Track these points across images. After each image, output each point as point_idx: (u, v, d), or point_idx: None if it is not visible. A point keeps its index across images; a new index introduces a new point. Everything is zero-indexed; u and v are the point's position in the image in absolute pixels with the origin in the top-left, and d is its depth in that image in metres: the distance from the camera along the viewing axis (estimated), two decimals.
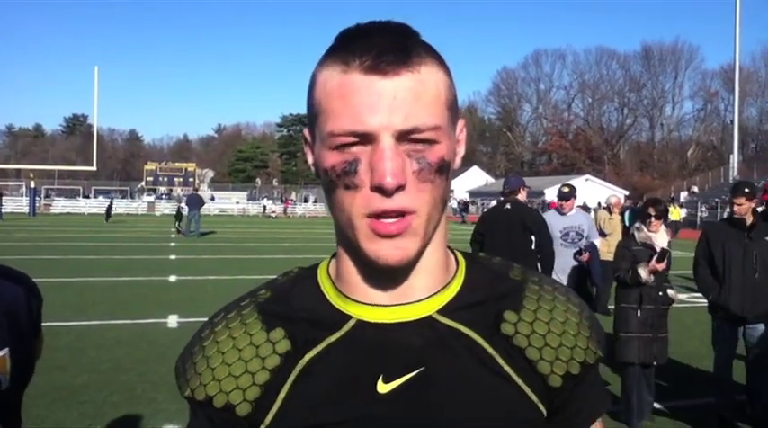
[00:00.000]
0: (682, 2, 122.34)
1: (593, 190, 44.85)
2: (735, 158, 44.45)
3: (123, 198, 57.55)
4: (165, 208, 48.98)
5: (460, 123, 0.84)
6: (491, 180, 67.42)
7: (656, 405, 5.32)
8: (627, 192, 45.46)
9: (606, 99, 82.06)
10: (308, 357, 0.82)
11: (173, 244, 22.05)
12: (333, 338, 0.82)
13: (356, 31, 0.79)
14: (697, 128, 78.01)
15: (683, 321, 8.69)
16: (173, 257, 17.57)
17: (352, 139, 0.75)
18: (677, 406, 5.52)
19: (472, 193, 60.85)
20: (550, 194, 42.76)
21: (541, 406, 0.83)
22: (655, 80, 79.45)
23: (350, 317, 0.83)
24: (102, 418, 5.01)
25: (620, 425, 4.98)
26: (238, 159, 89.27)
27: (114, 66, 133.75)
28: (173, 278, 13.15)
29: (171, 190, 61.26)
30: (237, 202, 59.53)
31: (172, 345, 7.23)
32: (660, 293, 5.07)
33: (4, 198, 39.01)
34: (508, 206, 6.29)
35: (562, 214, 7.13)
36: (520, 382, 0.82)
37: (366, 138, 0.74)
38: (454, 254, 0.91)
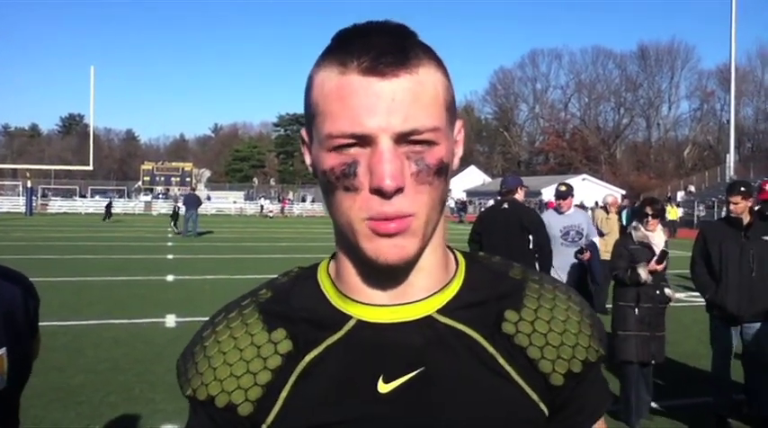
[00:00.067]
0: (678, 2, 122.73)
1: (589, 189, 44.89)
2: (731, 158, 44.51)
3: (120, 198, 57.45)
4: (162, 207, 48.90)
5: (458, 124, 0.84)
6: (488, 179, 67.46)
7: (654, 404, 5.33)
8: (624, 192, 45.43)
9: (603, 99, 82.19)
10: (308, 357, 0.82)
11: (170, 243, 22.02)
12: (333, 338, 0.82)
13: (354, 31, 0.78)
14: (693, 127, 78.20)
15: (680, 320, 8.71)
16: (170, 257, 17.55)
17: (350, 141, 0.75)
18: (675, 406, 5.53)
19: (469, 193, 60.86)
20: (547, 194, 42.78)
21: (542, 406, 0.83)
22: (651, 80, 79.62)
23: (350, 318, 0.83)
24: (99, 418, 5.00)
25: (619, 424, 4.99)
26: (235, 159, 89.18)
27: (111, 65, 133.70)
28: (170, 278, 13.14)
29: (168, 189, 61.19)
30: (235, 202, 59.47)
31: (169, 345, 7.23)
32: (657, 292, 5.08)
33: (0, 198, 38.88)
34: (506, 205, 6.30)
35: (560, 213, 7.13)
36: (520, 381, 0.82)
37: (365, 140, 0.74)
38: (454, 253, 0.91)
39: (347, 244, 0.81)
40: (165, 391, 5.55)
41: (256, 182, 78.98)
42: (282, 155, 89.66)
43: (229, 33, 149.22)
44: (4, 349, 1.61)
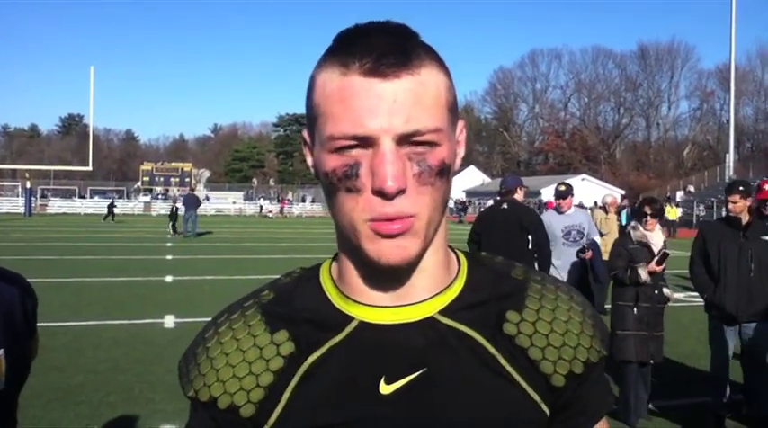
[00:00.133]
0: (678, 2, 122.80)
1: (589, 189, 44.88)
2: (731, 157, 44.56)
3: (120, 198, 57.42)
4: (162, 208, 48.90)
5: (460, 124, 0.84)
6: (488, 179, 67.47)
7: (653, 404, 5.33)
8: (623, 192, 45.49)
9: (602, 98, 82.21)
10: (311, 359, 0.82)
11: (169, 244, 22.02)
12: (335, 340, 0.82)
13: (355, 32, 0.78)
14: (693, 127, 78.23)
15: (679, 320, 8.71)
16: (169, 257, 17.55)
17: (351, 142, 0.75)
18: (674, 406, 5.53)
19: (469, 193, 60.87)
20: (547, 194, 42.78)
21: (544, 406, 0.84)
22: (651, 80, 79.66)
23: (352, 319, 0.83)
24: (98, 419, 5.00)
25: (617, 424, 4.99)
26: (235, 159, 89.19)
27: (110, 65, 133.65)
28: (169, 278, 13.14)
29: (167, 190, 61.16)
30: (234, 202, 59.47)
31: (169, 346, 7.23)
32: (656, 292, 5.09)
33: None
34: (505, 206, 6.30)
35: (561, 213, 7.12)
36: (522, 382, 0.83)
37: (366, 142, 0.74)
38: (456, 254, 0.91)
39: (349, 245, 0.81)
40: (165, 391, 5.55)
41: (256, 182, 78.98)
42: (282, 155, 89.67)
43: (229, 33, 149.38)
44: (2, 350, 1.62)
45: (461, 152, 0.85)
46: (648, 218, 5.21)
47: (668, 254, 5.14)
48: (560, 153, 79.42)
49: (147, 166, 65.57)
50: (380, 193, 0.74)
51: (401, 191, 0.74)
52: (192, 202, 25.40)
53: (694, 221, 35.04)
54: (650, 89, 79.80)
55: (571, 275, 6.93)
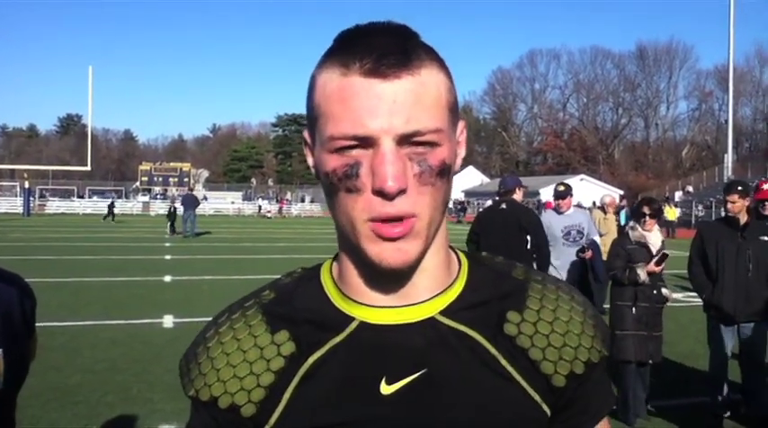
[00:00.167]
0: (676, 2, 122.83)
1: (588, 189, 44.91)
2: (729, 158, 44.61)
3: (118, 198, 57.40)
4: (160, 208, 48.86)
5: (461, 125, 0.84)
6: (486, 180, 67.49)
7: (652, 404, 5.33)
8: (622, 192, 45.52)
9: (601, 99, 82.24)
10: (312, 359, 0.82)
11: (168, 244, 22.01)
12: (336, 340, 0.83)
13: (356, 32, 0.78)
14: (691, 127, 78.27)
15: (678, 320, 8.72)
16: (168, 257, 17.54)
17: (352, 143, 0.75)
18: (673, 405, 5.54)
19: (468, 193, 60.89)
20: (545, 194, 42.80)
21: (545, 407, 0.84)
22: (649, 80, 79.70)
23: (353, 319, 0.83)
24: (96, 418, 4.99)
25: (616, 423, 4.99)
26: (233, 159, 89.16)
27: (109, 65, 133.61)
28: (168, 278, 13.13)
29: (166, 190, 61.09)
30: (233, 202, 59.46)
31: (167, 345, 7.23)
32: (654, 292, 5.09)
33: None
34: (504, 206, 6.30)
35: (560, 213, 7.12)
36: (523, 383, 0.83)
37: (367, 142, 0.74)
38: (456, 254, 0.91)
39: (349, 245, 0.81)
40: (163, 391, 5.55)
41: (254, 182, 78.95)
42: (281, 155, 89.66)
43: (228, 33, 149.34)
44: (0, 350, 1.61)
45: (462, 152, 0.85)
46: (647, 218, 5.21)
47: (667, 255, 5.15)
48: (559, 153, 79.46)
49: (145, 166, 65.52)
50: (381, 193, 0.74)
51: (402, 192, 0.74)
52: (191, 202, 25.38)
53: (693, 221, 35.06)
54: (649, 89, 79.91)
55: (570, 274, 6.93)
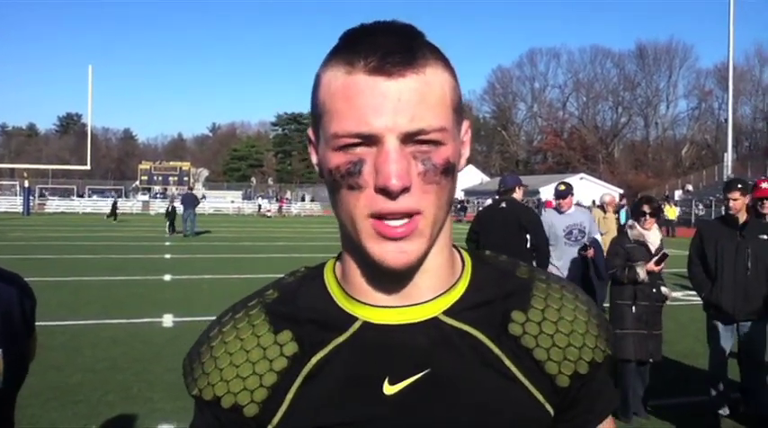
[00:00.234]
0: (676, 1, 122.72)
1: (587, 188, 44.88)
2: (729, 157, 44.55)
3: (118, 197, 57.41)
4: (160, 207, 48.78)
5: (465, 124, 0.84)
6: (486, 179, 67.51)
7: (651, 403, 5.33)
8: (622, 191, 45.52)
9: (601, 98, 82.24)
10: (315, 359, 0.82)
11: (167, 243, 22.00)
12: (339, 340, 0.83)
13: (361, 31, 0.79)
14: (691, 126, 78.25)
15: (678, 319, 8.72)
16: (168, 256, 17.54)
17: (356, 140, 0.75)
18: (672, 404, 5.54)
19: (467, 192, 60.87)
20: (545, 193, 42.80)
21: (548, 406, 0.84)
22: (649, 79, 79.70)
23: (356, 319, 0.83)
24: (97, 418, 4.99)
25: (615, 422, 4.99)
26: (233, 158, 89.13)
27: (108, 64, 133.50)
28: (168, 277, 13.13)
29: (165, 189, 61.06)
30: (232, 201, 59.42)
31: (167, 345, 7.23)
32: (654, 290, 5.09)
33: None
34: (503, 205, 6.30)
35: (561, 213, 7.10)
36: (526, 382, 0.83)
37: (371, 140, 0.74)
38: (460, 253, 0.91)
39: (352, 244, 0.81)
40: (163, 390, 5.55)
41: (254, 181, 78.95)
42: (280, 154, 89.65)
43: (227, 32, 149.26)
44: (0, 350, 1.61)
45: (466, 152, 0.85)
46: (647, 217, 5.21)
47: (668, 255, 5.15)
48: (559, 152, 79.46)
49: (145, 165, 65.50)
50: (384, 191, 0.74)
51: (405, 190, 0.74)
52: (191, 201, 25.37)
53: (693, 220, 35.07)
54: (648, 88, 79.89)
55: (571, 273, 6.91)
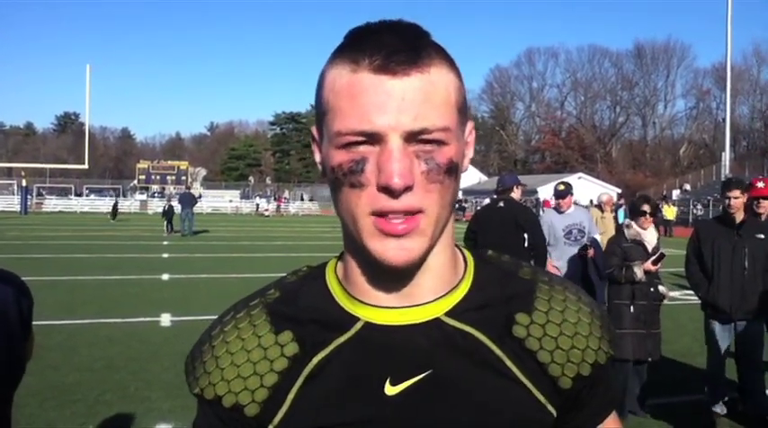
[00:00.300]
0: (674, 1, 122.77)
1: (585, 188, 44.91)
2: (727, 156, 44.58)
3: (116, 196, 57.35)
4: (158, 206, 48.76)
5: (469, 125, 0.84)
6: (484, 178, 67.52)
7: (649, 402, 5.33)
8: (620, 190, 45.59)
9: (599, 97, 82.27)
10: (316, 359, 0.82)
11: (165, 242, 21.99)
12: (341, 340, 0.82)
13: (366, 29, 0.78)
14: (689, 126, 78.30)
15: (676, 318, 8.73)
16: (165, 255, 17.53)
17: (359, 138, 0.74)
18: (670, 403, 5.54)
19: (465, 191, 60.89)
20: (543, 192, 42.85)
21: (550, 407, 0.84)
22: (647, 78, 79.73)
23: (358, 319, 0.83)
24: (94, 417, 4.98)
25: None
26: (231, 157, 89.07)
27: (106, 64, 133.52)
28: (165, 276, 13.12)
29: (163, 188, 61.06)
30: (230, 201, 59.40)
31: (165, 344, 7.22)
32: (652, 289, 5.10)
33: None
34: (501, 204, 6.30)
35: (561, 212, 7.10)
36: (528, 384, 0.83)
37: (374, 138, 0.74)
38: (462, 253, 0.90)
39: (353, 244, 0.81)
40: (161, 389, 5.54)
41: (252, 180, 78.93)
42: (278, 153, 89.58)
43: (225, 31, 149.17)
44: None
45: (470, 153, 0.85)
46: (648, 216, 5.22)
47: (665, 255, 5.15)
48: (557, 151, 79.48)
49: (143, 165, 65.49)
50: (386, 190, 0.73)
51: (408, 189, 0.74)
52: (188, 201, 25.35)
53: (690, 220, 35.11)
54: (646, 88, 79.92)
55: (570, 272, 6.90)
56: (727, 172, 41.00)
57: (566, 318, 0.86)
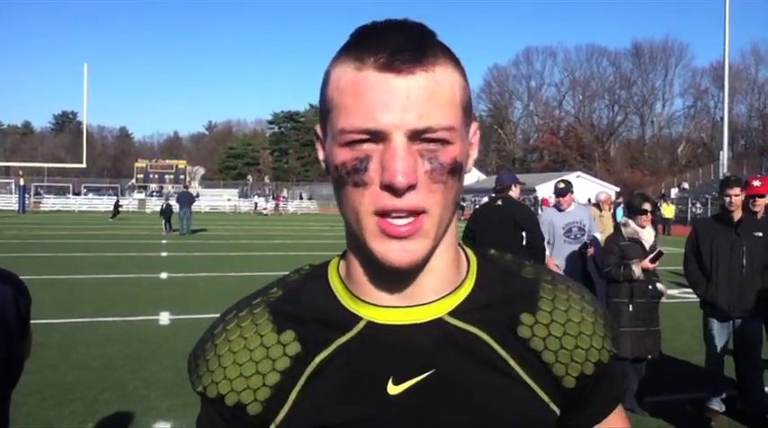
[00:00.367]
0: (672, 0, 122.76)
1: (583, 186, 44.86)
2: (725, 155, 44.60)
3: (114, 195, 57.29)
4: (156, 205, 48.74)
5: (474, 126, 0.84)
6: (482, 177, 67.50)
7: (648, 400, 5.34)
8: (618, 189, 45.63)
9: (597, 96, 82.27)
10: (318, 359, 0.82)
11: (164, 241, 21.97)
12: (343, 339, 0.82)
13: (371, 28, 0.78)
14: (687, 125, 78.35)
15: (675, 316, 8.74)
16: (164, 254, 17.51)
17: (363, 136, 0.74)
18: (669, 401, 5.55)
19: (464, 190, 60.79)
20: (542, 191, 42.86)
21: (553, 406, 0.84)
22: (645, 77, 79.74)
23: (360, 319, 0.83)
24: (93, 416, 4.98)
25: None
26: (229, 156, 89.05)
27: (104, 62, 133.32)
28: (164, 275, 13.11)
29: (162, 187, 61.06)
30: (229, 199, 59.36)
31: (163, 342, 7.22)
32: (650, 287, 5.10)
33: None
34: (499, 203, 6.30)
35: (561, 210, 7.10)
36: (531, 383, 0.83)
37: (378, 136, 0.74)
38: (465, 252, 0.90)
39: (356, 243, 0.81)
40: (160, 388, 5.54)
41: (251, 179, 78.87)
42: (277, 152, 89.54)
43: (223, 30, 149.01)
44: None
45: (474, 154, 0.85)
46: (648, 214, 5.23)
47: (662, 253, 5.16)
48: (555, 150, 79.49)
49: (141, 164, 65.49)
50: (390, 188, 0.73)
51: (411, 187, 0.73)
52: (186, 200, 25.33)
53: (689, 218, 35.14)
54: (644, 87, 79.93)
55: (570, 268, 6.90)
56: (725, 170, 41.02)
57: (569, 318, 0.86)
